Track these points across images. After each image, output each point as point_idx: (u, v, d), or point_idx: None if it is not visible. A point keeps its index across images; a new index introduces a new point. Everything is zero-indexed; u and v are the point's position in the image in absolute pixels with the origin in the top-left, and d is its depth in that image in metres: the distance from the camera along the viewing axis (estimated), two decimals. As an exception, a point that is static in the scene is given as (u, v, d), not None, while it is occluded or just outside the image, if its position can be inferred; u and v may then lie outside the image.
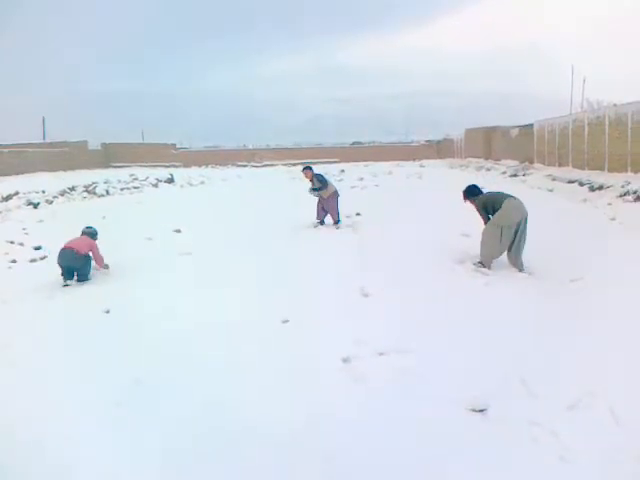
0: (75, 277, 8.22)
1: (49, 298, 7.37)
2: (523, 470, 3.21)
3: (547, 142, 25.52)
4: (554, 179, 20.10)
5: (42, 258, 9.98)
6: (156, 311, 6.53)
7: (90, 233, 8.83)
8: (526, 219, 7.68)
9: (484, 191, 8.46)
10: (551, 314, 5.77)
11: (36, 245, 11.06)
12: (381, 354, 4.89)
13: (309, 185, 12.31)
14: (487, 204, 7.90)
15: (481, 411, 3.86)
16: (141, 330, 5.92)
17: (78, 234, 8.73)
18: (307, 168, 12.55)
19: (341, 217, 12.42)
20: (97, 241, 8.77)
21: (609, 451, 3.29)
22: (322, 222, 12.34)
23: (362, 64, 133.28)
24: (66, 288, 7.87)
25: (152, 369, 4.89)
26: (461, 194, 8.33)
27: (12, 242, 11.74)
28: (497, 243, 7.66)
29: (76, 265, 8.16)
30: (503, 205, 7.66)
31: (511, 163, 28.98)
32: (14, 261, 9.93)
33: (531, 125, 27.91)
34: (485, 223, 7.93)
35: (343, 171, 30.96)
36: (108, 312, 6.55)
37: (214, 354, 5.16)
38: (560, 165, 23.54)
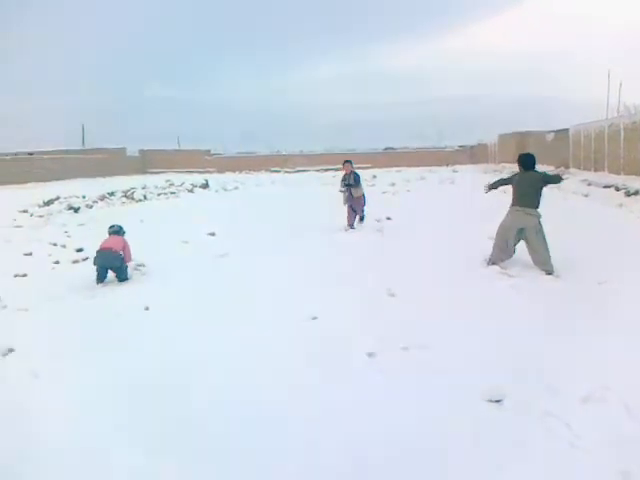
0: (115, 277, 8.61)
1: (91, 297, 7.75)
2: (535, 455, 3.39)
3: (583, 147, 25.24)
4: (590, 184, 19.90)
5: (84, 259, 10.42)
6: (189, 308, 6.85)
7: (117, 231, 9.20)
8: (534, 227, 7.83)
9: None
10: (573, 314, 5.88)
11: (78, 247, 11.54)
12: (405, 349, 5.12)
13: (342, 181, 12.72)
14: (514, 183, 8.22)
15: (497, 401, 4.06)
16: (178, 323, 6.26)
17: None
18: (348, 162, 12.91)
19: (368, 219, 12.99)
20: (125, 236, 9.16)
21: (619, 440, 3.44)
22: (352, 226, 12.59)
23: (394, 69, 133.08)
24: (107, 287, 8.26)
25: (194, 357, 5.21)
26: (519, 156, 8.49)
27: (55, 244, 12.29)
28: (503, 243, 8.05)
29: (115, 264, 8.57)
30: (511, 208, 8.07)
31: (546, 168, 28.65)
32: (57, 262, 10.40)
33: (566, 130, 27.63)
34: (503, 179, 8.54)
35: (375, 177, 31.09)
36: (147, 309, 6.90)
37: (246, 348, 5.43)
38: (596, 170, 23.27)
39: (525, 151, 31.52)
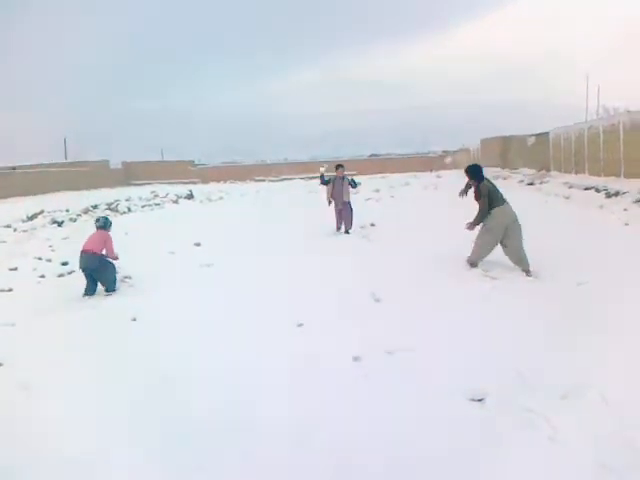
0: (103, 287, 8.62)
1: (78, 310, 7.75)
2: (515, 448, 3.51)
3: (563, 150, 25.59)
4: (571, 186, 20.16)
5: (69, 273, 10.41)
6: (179, 318, 6.90)
7: (101, 226, 9.03)
8: (515, 221, 8.11)
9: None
10: (553, 314, 6.02)
11: (63, 261, 11.51)
12: (389, 353, 5.24)
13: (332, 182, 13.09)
14: (491, 193, 8.27)
15: (479, 400, 4.19)
16: (166, 333, 6.32)
17: None
18: (340, 166, 13.42)
19: (354, 227, 13.25)
20: (110, 232, 9.02)
21: (598, 434, 3.56)
22: (339, 228, 13.12)
23: (376, 76, 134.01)
24: (93, 300, 8.26)
25: (183, 365, 5.31)
26: (466, 172, 8.67)
27: (40, 258, 12.24)
28: (487, 244, 8.21)
29: (94, 265, 8.50)
30: (500, 207, 8.14)
31: (528, 171, 29.03)
32: (43, 276, 10.38)
33: (547, 133, 27.98)
34: (484, 208, 8.21)
35: (360, 183, 31.19)
36: (135, 320, 6.93)
37: (233, 354, 5.53)
38: (577, 172, 23.58)
39: (507, 154, 31.70)
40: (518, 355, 4.96)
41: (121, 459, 3.75)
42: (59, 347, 6.10)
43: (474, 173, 8.53)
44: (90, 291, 8.56)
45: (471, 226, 8.39)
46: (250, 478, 3.51)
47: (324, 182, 13.35)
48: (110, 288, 8.66)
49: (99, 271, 8.60)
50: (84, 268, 8.59)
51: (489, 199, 8.20)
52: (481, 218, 8.27)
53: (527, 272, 7.90)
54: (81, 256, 8.62)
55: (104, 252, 8.71)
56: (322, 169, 13.49)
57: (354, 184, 13.32)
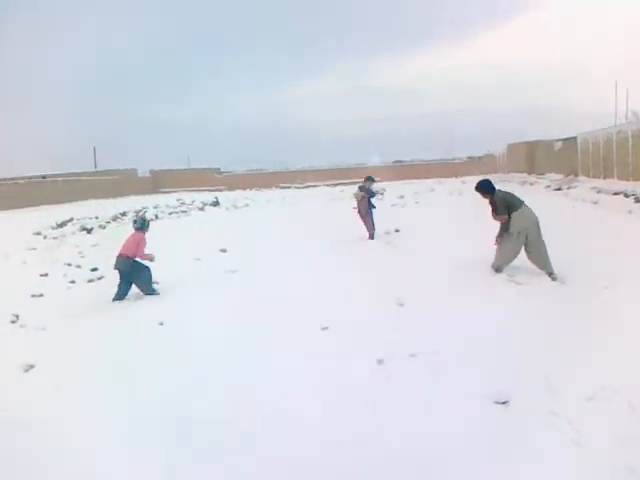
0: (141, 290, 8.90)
1: (107, 314, 7.92)
2: (538, 451, 3.51)
3: (591, 155, 25.24)
4: (599, 191, 19.88)
5: (99, 278, 10.64)
6: (205, 322, 7.02)
7: (138, 227, 9.26)
8: (537, 224, 8.02)
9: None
10: (578, 318, 5.97)
11: (92, 267, 11.76)
12: (413, 355, 5.26)
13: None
14: (507, 201, 8.19)
15: (503, 403, 4.18)
16: (192, 337, 6.44)
17: None
18: (370, 179, 13.82)
19: (378, 231, 13.39)
20: (146, 232, 9.23)
21: (624, 438, 3.54)
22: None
23: (402, 83, 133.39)
24: (123, 305, 8.43)
25: (209, 367, 5.43)
26: (477, 189, 8.60)
27: (70, 264, 12.52)
28: (510, 249, 8.10)
29: (126, 269, 8.75)
30: (519, 211, 8.04)
31: (555, 177, 28.66)
32: (73, 282, 10.62)
33: (574, 138, 27.63)
34: (504, 220, 8.12)
35: (385, 190, 31.19)
36: (162, 324, 7.07)
37: (258, 357, 5.63)
38: (605, 177, 23.23)
39: (534, 160, 31.26)
40: (543, 358, 4.93)
41: (148, 460, 3.84)
42: (88, 350, 6.26)
43: (485, 188, 8.49)
44: (120, 295, 8.76)
45: (499, 240, 8.34)
46: (279, 473, 3.57)
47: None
48: (147, 292, 8.85)
49: (132, 275, 8.82)
50: (118, 269, 8.84)
51: (507, 207, 8.15)
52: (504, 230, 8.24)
53: (551, 275, 7.83)
54: (117, 259, 8.88)
55: (147, 253, 8.98)
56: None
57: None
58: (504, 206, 8.15)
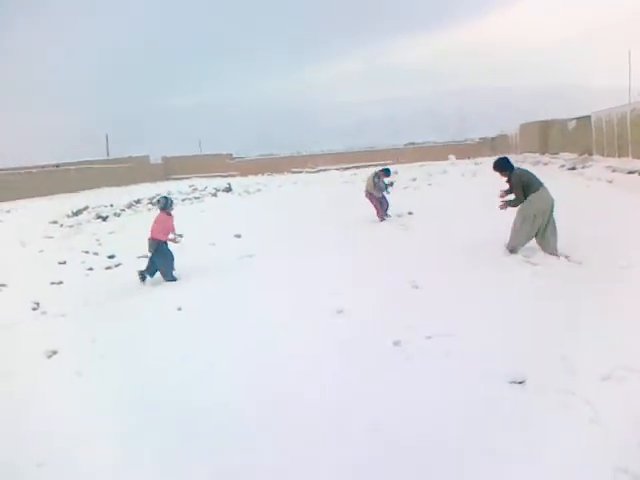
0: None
1: (125, 300, 8.05)
2: (555, 429, 3.54)
3: (605, 133, 24.91)
4: (614, 170, 19.64)
5: (116, 265, 10.78)
6: (223, 307, 7.12)
7: (161, 207, 9.58)
8: (552, 207, 7.97)
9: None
10: (595, 298, 5.95)
11: (109, 254, 11.91)
12: (429, 337, 5.30)
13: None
14: (524, 181, 8.11)
15: (520, 383, 4.22)
16: (211, 322, 6.55)
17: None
18: (386, 171, 14.27)
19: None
20: (172, 211, 9.54)
21: (638, 416, 3.55)
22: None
23: (411, 63, 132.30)
24: (141, 290, 8.56)
25: (227, 351, 5.54)
26: (494, 168, 8.52)
27: (87, 252, 12.68)
28: (527, 229, 8.04)
29: (152, 250, 9.06)
30: (537, 192, 7.96)
31: (569, 156, 28.33)
32: (91, 269, 10.77)
33: (588, 117, 27.26)
34: (521, 199, 8.08)
35: (396, 172, 31.07)
36: (180, 309, 7.17)
37: (275, 340, 5.72)
38: (620, 156, 22.94)
39: (547, 139, 30.87)
40: (559, 339, 4.94)
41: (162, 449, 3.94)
42: (109, 337, 6.37)
43: (503, 166, 8.41)
44: (145, 273, 9.04)
45: (505, 205, 8.33)
46: (298, 450, 3.66)
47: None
48: (166, 277, 9.02)
49: (158, 257, 9.06)
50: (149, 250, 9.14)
51: (523, 187, 8.11)
52: (517, 204, 8.19)
53: (553, 255, 7.87)
54: (148, 242, 9.23)
55: (170, 236, 9.18)
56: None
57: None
58: (520, 185, 8.11)
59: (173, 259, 9.16)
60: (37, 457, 3.82)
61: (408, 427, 3.78)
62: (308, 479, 3.43)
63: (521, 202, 8.13)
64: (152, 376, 5.09)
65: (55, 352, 5.90)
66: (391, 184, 14.02)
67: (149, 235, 9.19)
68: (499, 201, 8.42)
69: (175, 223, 9.45)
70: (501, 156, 8.91)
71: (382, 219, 13.42)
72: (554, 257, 7.84)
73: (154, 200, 9.13)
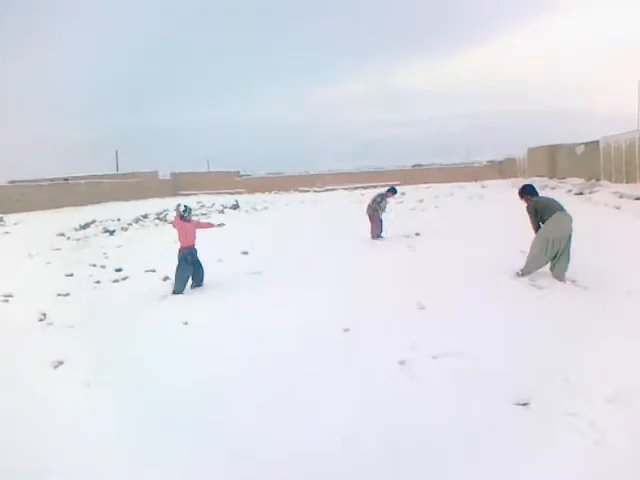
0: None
1: (133, 313, 8.09)
2: (560, 451, 3.56)
3: (613, 159, 24.99)
4: (621, 196, 19.68)
5: (124, 279, 10.83)
6: (229, 323, 7.17)
7: (181, 216, 9.69)
8: (570, 235, 7.99)
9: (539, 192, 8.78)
10: (600, 322, 5.99)
11: (117, 267, 11.97)
12: (434, 357, 5.34)
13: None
14: (538, 208, 8.21)
15: (524, 404, 4.23)
16: (216, 338, 6.57)
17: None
18: (393, 190, 14.61)
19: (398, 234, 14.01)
20: (184, 216, 9.67)
21: None
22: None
23: (419, 86, 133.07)
24: (148, 305, 8.60)
25: (234, 366, 5.57)
26: (517, 192, 8.79)
27: (94, 265, 12.74)
28: (542, 255, 8.06)
29: (194, 257, 9.53)
30: (553, 217, 7.97)
31: (576, 181, 28.39)
32: (98, 282, 10.81)
33: (596, 142, 27.36)
34: (534, 226, 8.23)
35: (404, 194, 31.17)
36: (186, 324, 7.21)
37: (281, 358, 5.73)
38: (627, 182, 22.99)
39: (555, 164, 31.00)
40: (564, 361, 4.96)
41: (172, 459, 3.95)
42: (116, 348, 6.40)
43: (522, 192, 8.73)
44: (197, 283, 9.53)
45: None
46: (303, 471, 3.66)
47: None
48: (176, 287, 9.22)
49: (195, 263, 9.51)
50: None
51: (538, 213, 8.19)
52: (536, 229, 8.30)
53: (561, 279, 7.93)
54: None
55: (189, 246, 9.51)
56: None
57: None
58: (533, 212, 8.24)
59: (189, 274, 9.42)
60: (43, 464, 3.85)
61: (415, 445, 3.79)
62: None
63: (536, 228, 8.23)
64: (159, 389, 5.11)
65: (62, 362, 5.92)
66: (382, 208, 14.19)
67: (182, 246, 9.51)
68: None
69: (195, 230, 9.80)
70: (526, 183, 9.06)
71: (375, 238, 13.73)
72: (561, 282, 7.86)
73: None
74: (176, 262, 9.48)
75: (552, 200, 8.54)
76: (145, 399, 4.91)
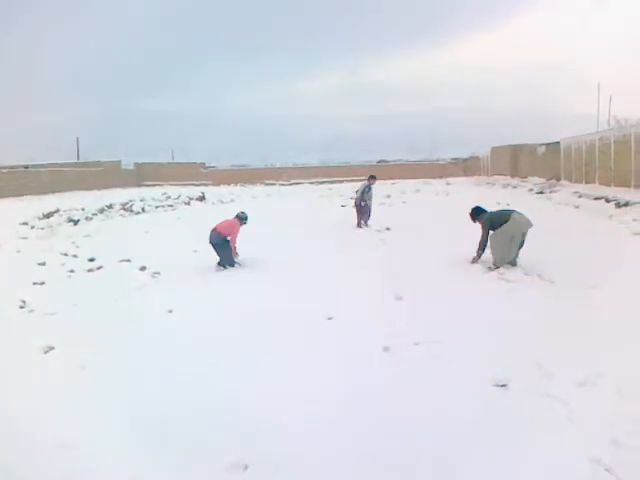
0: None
1: (115, 302, 8.17)
2: (535, 427, 3.92)
3: (574, 159, 25.84)
4: (580, 196, 20.38)
5: (98, 268, 10.83)
6: (214, 311, 7.40)
7: (240, 217, 10.68)
8: (526, 230, 8.83)
9: (488, 210, 9.58)
10: (567, 313, 6.42)
11: (89, 257, 11.91)
12: (416, 344, 5.66)
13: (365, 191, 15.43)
14: (493, 221, 9.03)
15: (503, 386, 4.61)
16: (203, 324, 6.77)
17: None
18: (373, 177, 15.95)
19: (370, 229, 14.84)
20: (243, 225, 10.59)
21: (611, 415, 3.97)
22: (360, 225, 15.28)
23: (386, 81, 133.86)
24: (129, 294, 8.68)
25: (227, 352, 5.78)
26: (469, 216, 9.58)
27: (65, 254, 12.64)
28: (507, 248, 8.79)
29: (217, 243, 10.24)
30: (511, 218, 8.81)
31: (538, 180, 29.25)
32: (72, 271, 10.77)
33: (558, 143, 28.22)
34: (482, 238, 9.10)
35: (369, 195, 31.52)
36: (171, 312, 7.36)
37: (268, 345, 5.96)
38: (587, 182, 23.82)
39: (517, 163, 31.80)
40: (536, 349, 5.33)
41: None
42: (105, 334, 6.52)
43: (472, 215, 9.56)
44: (222, 262, 10.26)
45: (476, 260, 9.26)
46: (293, 451, 3.88)
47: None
48: (222, 262, 10.22)
49: (219, 247, 10.20)
50: (210, 242, 10.27)
51: (492, 225, 9.00)
52: (481, 248, 9.17)
53: (496, 264, 8.83)
54: (211, 233, 10.35)
55: (228, 238, 10.27)
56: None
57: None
58: (489, 225, 9.05)
59: (231, 252, 10.30)
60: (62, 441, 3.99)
61: (401, 425, 4.07)
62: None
63: (483, 246, 9.11)
64: (150, 372, 5.28)
65: (52, 348, 6.00)
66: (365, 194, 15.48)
67: (216, 227, 10.34)
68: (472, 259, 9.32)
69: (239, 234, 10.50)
70: (474, 206, 9.80)
71: (360, 227, 14.96)
72: (532, 276, 8.35)
73: (240, 213, 9.75)
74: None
75: (502, 210, 9.62)
76: (140, 382, 5.06)
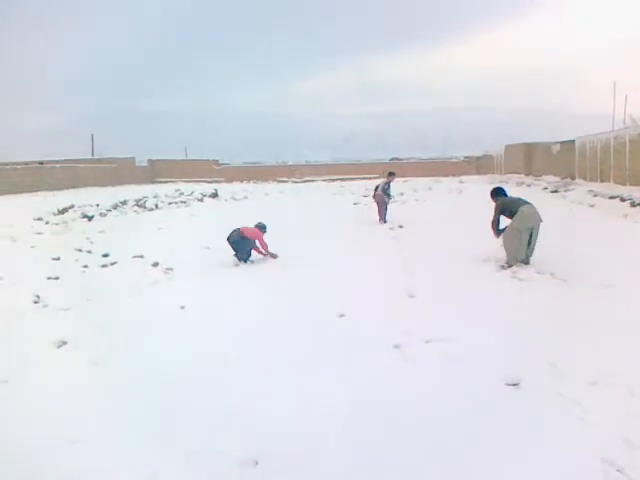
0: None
1: (129, 298, 8.24)
2: (548, 427, 3.89)
3: (589, 158, 25.60)
4: (595, 195, 20.20)
5: (112, 264, 10.89)
6: (226, 307, 7.45)
7: (260, 227, 11.18)
8: (539, 225, 8.73)
9: (508, 194, 9.65)
10: (580, 313, 6.37)
11: (104, 253, 12.00)
12: (427, 342, 5.66)
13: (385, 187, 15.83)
14: (505, 206, 9.04)
15: (514, 385, 4.58)
16: (215, 320, 6.82)
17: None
18: (392, 174, 16.77)
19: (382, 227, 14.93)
20: (265, 234, 11.02)
21: (623, 415, 3.95)
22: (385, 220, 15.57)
23: (400, 80, 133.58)
24: (142, 290, 8.75)
25: (239, 349, 5.80)
26: (489, 193, 9.61)
27: (80, 250, 12.73)
28: (518, 245, 8.73)
29: (236, 241, 10.62)
30: (520, 210, 8.72)
31: (552, 179, 29.01)
32: (86, 266, 10.86)
33: (572, 141, 27.96)
34: (493, 224, 9.12)
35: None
36: (183, 308, 7.40)
37: (280, 341, 6.00)
38: (602, 181, 23.59)
39: (532, 161, 31.73)
40: (548, 348, 5.30)
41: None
42: (118, 330, 6.58)
43: (492, 193, 9.59)
44: (240, 257, 10.70)
45: (497, 234, 9.22)
46: (304, 444, 3.88)
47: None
48: (242, 258, 10.63)
49: (239, 244, 10.62)
50: (230, 241, 10.67)
51: (503, 210, 9.04)
52: (493, 227, 9.21)
53: (509, 264, 8.78)
54: (232, 231, 10.75)
55: (250, 240, 10.74)
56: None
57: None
58: (500, 209, 9.08)
59: (251, 250, 10.76)
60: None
61: (411, 424, 4.05)
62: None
63: (495, 227, 9.15)
64: (164, 369, 5.31)
65: (65, 342, 6.06)
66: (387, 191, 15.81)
67: (241, 229, 10.70)
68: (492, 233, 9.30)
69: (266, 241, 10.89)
70: (498, 186, 9.98)
71: (384, 222, 15.28)
72: (545, 274, 8.27)
73: (259, 223, 10.25)
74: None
75: (517, 198, 9.43)
76: (152, 378, 5.10)
